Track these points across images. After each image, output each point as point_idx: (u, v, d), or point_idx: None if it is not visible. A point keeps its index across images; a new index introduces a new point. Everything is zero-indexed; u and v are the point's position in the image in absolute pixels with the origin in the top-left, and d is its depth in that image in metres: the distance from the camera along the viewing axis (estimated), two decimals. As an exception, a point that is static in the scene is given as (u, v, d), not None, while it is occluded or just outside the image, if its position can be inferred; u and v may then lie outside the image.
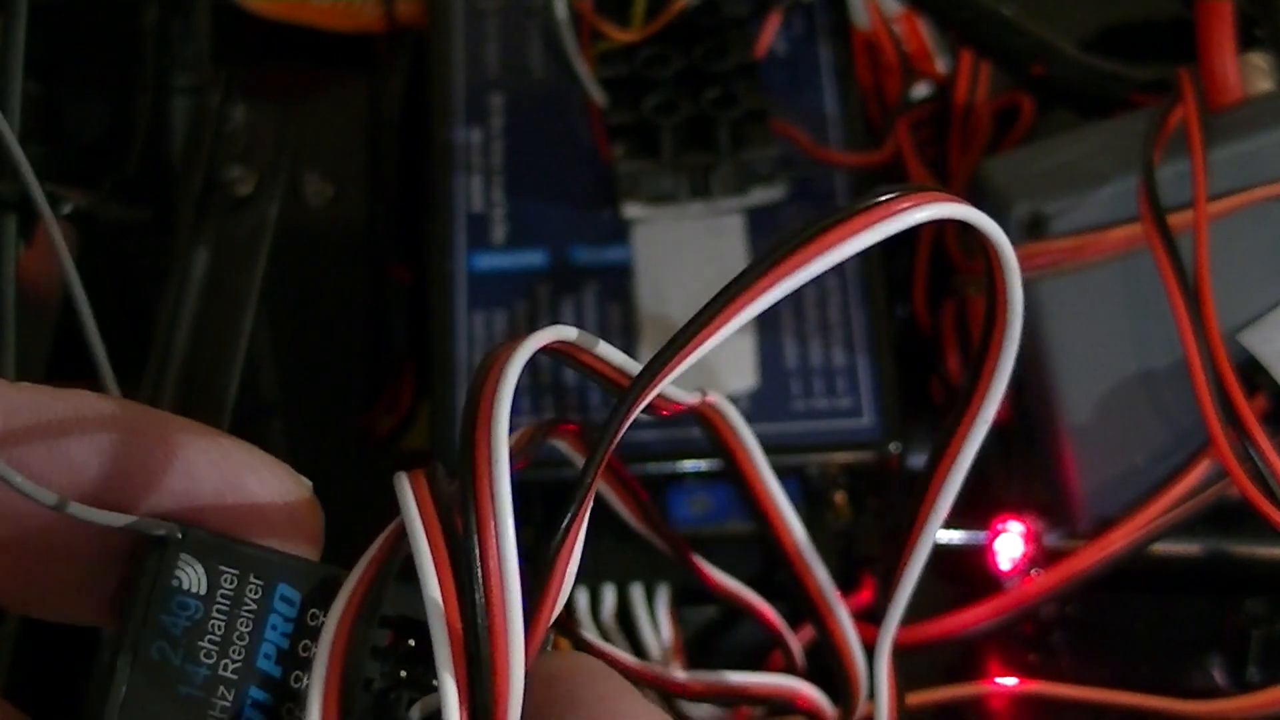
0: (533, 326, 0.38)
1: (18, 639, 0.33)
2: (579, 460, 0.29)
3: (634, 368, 0.23)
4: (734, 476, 0.30)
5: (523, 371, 0.21)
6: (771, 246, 0.20)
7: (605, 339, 0.38)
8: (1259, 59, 0.36)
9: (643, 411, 0.24)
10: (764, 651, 0.37)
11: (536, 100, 0.41)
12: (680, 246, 0.39)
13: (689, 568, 0.33)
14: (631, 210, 0.39)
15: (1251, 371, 0.34)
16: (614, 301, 0.39)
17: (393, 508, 0.21)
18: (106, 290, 0.42)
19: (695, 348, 0.21)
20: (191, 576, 0.22)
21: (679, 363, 0.21)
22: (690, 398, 0.26)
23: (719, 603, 0.38)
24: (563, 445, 0.29)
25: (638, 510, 0.31)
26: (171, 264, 0.39)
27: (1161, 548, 0.36)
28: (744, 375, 0.38)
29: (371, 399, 0.42)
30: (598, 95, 0.40)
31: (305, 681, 0.21)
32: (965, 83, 0.43)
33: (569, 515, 0.21)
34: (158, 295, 0.39)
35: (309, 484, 0.23)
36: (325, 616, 0.21)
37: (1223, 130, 0.34)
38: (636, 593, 0.37)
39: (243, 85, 0.42)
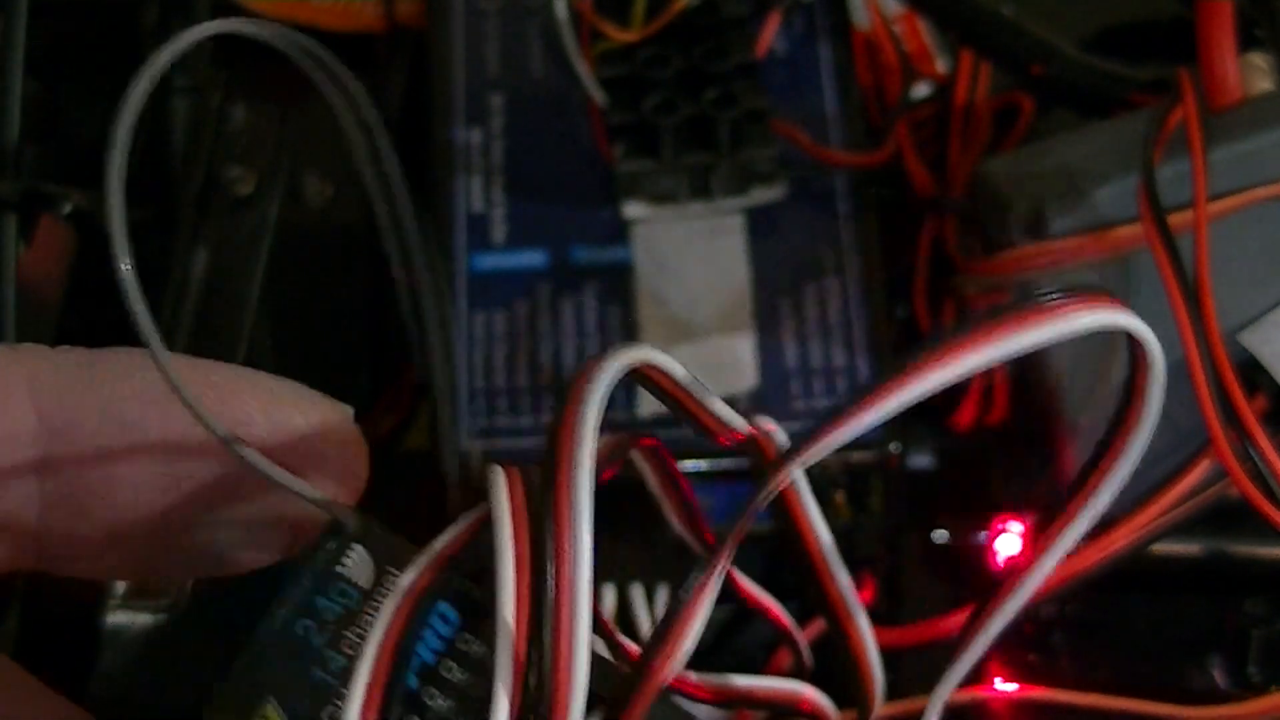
0: (533, 326, 0.38)
1: (18, 637, 0.33)
2: (649, 476, 0.29)
3: (739, 422, 0.24)
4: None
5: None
6: (928, 340, 0.21)
7: (605, 339, 0.39)
8: (1259, 59, 0.36)
9: (701, 436, 0.24)
10: (764, 651, 0.37)
11: (536, 100, 0.41)
12: (680, 246, 0.39)
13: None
14: (631, 210, 0.39)
15: (1251, 371, 0.34)
16: (614, 301, 0.39)
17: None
18: (106, 290, 0.42)
19: (844, 426, 0.21)
20: (359, 567, 0.22)
21: (823, 439, 0.21)
22: (750, 428, 0.27)
23: (720, 603, 0.38)
24: (637, 458, 0.29)
25: (681, 510, 0.31)
26: (171, 264, 0.39)
27: (1161, 548, 0.36)
28: (744, 375, 0.38)
29: (371, 399, 0.42)
30: (598, 95, 0.40)
31: (440, 701, 0.21)
32: (965, 83, 0.43)
33: (698, 576, 0.21)
34: (158, 295, 0.39)
35: (349, 410, 0.23)
36: (476, 643, 0.21)
37: (1223, 130, 0.34)
38: (636, 593, 0.37)
39: (243, 85, 0.42)
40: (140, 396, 0.23)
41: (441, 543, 0.21)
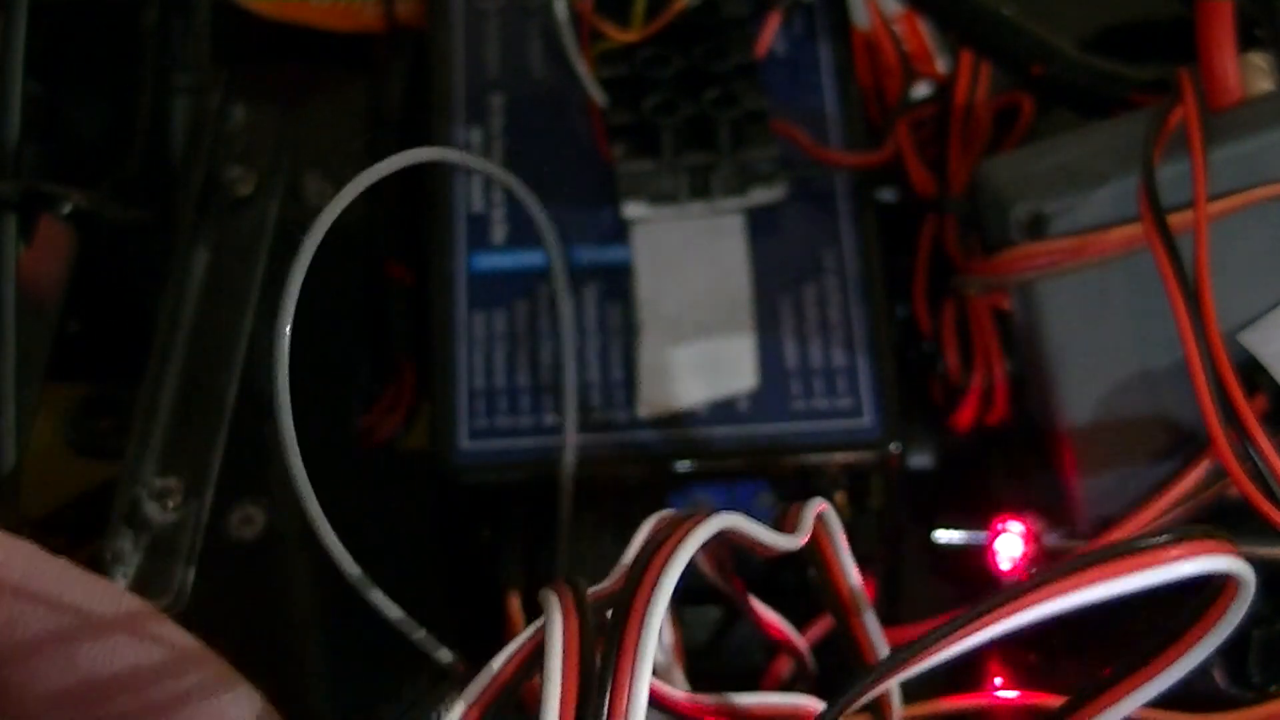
0: (533, 326, 0.38)
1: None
2: (708, 570, 0.29)
3: (793, 542, 0.25)
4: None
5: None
6: (1033, 577, 0.21)
7: (605, 339, 0.39)
8: (1259, 59, 0.36)
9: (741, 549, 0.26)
10: (765, 652, 0.37)
11: (536, 100, 0.41)
12: (680, 246, 0.39)
13: (746, 610, 0.33)
14: (631, 210, 0.39)
15: (1251, 371, 0.34)
16: (614, 301, 0.39)
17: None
18: (106, 290, 0.42)
19: (937, 654, 0.22)
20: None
21: (914, 666, 0.21)
22: (804, 538, 0.28)
23: (720, 603, 0.38)
24: (700, 559, 0.29)
25: (715, 567, 0.32)
26: (171, 264, 0.39)
27: (1162, 548, 0.36)
28: (744, 375, 0.38)
29: (371, 399, 0.42)
30: (598, 95, 0.40)
31: None
32: (965, 83, 0.43)
33: None
34: (158, 295, 0.39)
35: None
36: None
37: (1223, 130, 0.34)
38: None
39: (243, 85, 0.42)
40: (83, 633, 0.23)
41: (498, 664, 0.22)
